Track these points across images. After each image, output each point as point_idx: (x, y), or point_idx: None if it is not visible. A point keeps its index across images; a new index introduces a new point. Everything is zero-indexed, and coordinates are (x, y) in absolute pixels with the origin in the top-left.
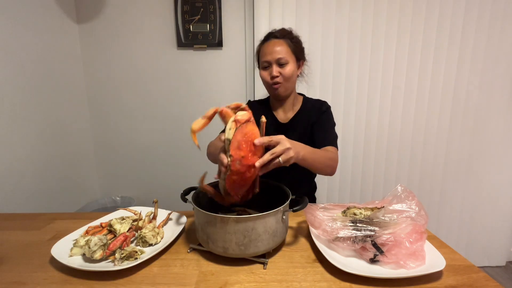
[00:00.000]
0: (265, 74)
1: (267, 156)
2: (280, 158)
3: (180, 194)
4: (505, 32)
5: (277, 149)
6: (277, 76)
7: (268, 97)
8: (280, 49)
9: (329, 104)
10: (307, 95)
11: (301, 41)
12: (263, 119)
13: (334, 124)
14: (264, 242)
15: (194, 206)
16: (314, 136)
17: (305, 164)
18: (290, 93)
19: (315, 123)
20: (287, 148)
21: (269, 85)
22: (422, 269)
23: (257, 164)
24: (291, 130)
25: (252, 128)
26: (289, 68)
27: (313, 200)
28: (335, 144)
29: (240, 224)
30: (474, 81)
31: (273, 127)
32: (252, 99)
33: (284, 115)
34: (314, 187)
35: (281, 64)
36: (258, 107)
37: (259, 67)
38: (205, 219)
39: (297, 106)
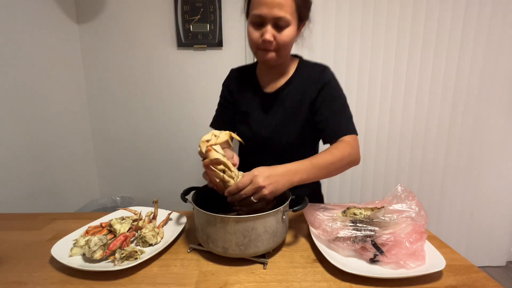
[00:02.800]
0: (255, 33)
1: (238, 196)
2: (252, 198)
3: (180, 194)
4: (505, 32)
5: (247, 190)
6: (271, 42)
7: (256, 62)
8: (282, 3)
9: (329, 69)
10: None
11: None
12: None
13: (342, 100)
14: (264, 242)
15: (194, 206)
16: (319, 125)
17: (308, 181)
18: (282, 61)
19: (316, 101)
20: (258, 188)
21: (257, 48)
22: (422, 269)
23: (229, 199)
24: (277, 102)
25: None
26: (288, 33)
27: (320, 197)
28: (349, 131)
29: (240, 224)
30: (474, 81)
31: (257, 99)
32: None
33: (272, 82)
34: (318, 183)
35: (279, 26)
36: (240, 75)
37: (246, 17)
38: (205, 219)
39: (290, 73)
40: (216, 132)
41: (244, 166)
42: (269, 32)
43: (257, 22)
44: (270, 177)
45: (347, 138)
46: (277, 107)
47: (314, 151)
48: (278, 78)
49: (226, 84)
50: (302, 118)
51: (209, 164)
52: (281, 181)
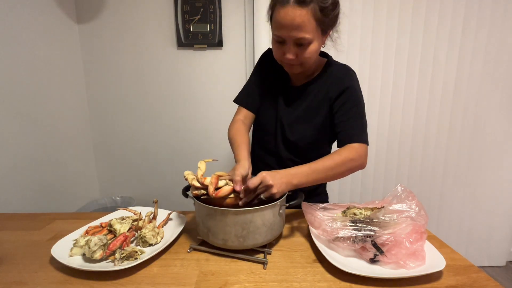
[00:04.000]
0: (278, 50)
1: (251, 195)
2: (262, 196)
3: (181, 191)
4: (505, 31)
5: (259, 189)
6: (293, 59)
7: None
8: (301, 24)
9: (355, 74)
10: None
11: (337, 1)
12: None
13: (361, 108)
14: (262, 234)
15: (195, 200)
16: (335, 128)
17: (309, 185)
18: (308, 69)
19: (336, 103)
20: (268, 186)
21: (281, 62)
22: (422, 269)
23: (241, 203)
24: (302, 96)
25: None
26: (311, 49)
27: (324, 194)
28: (359, 139)
29: (239, 217)
30: (475, 82)
31: (282, 90)
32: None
33: (300, 77)
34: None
35: (300, 44)
36: (274, 62)
37: (271, 28)
38: (206, 212)
39: (317, 71)
40: (189, 172)
41: (261, 155)
42: (291, 52)
43: (279, 40)
44: (276, 177)
45: (355, 145)
46: (300, 102)
47: (328, 150)
48: (305, 76)
49: (262, 61)
50: (322, 116)
51: (214, 188)
52: (284, 182)
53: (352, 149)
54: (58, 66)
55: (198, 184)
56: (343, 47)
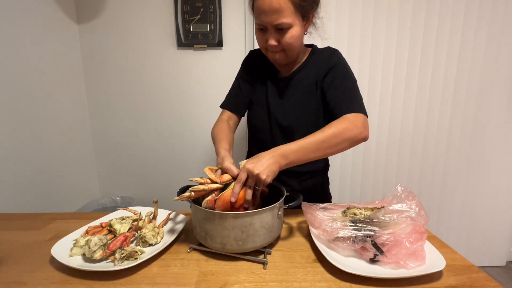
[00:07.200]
0: (261, 38)
1: (237, 189)
2: (256, 187)
3: (177, 192)
4: (505, 32)
5: (249, 182)
6: (275, 46)
7: None
8: (279, 8)
9: (340, 52)
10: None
11: None
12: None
13: (351, 82)
14: (261, 237)
15: (192, 203)
16: (328, 106)
17: (300, 163)
18: (293, 59)
19: (324, 81)
20: (256, 176)
21: (265, 50)
22: (422, 269)
23: (232, 199)
24: (291, 87)
25: (224, 195)
26: (292, 34)
27: (326, 193)
28: (354, 109)
29: (238, 220)
30: (475, 81)
31: (272, 83)
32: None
33: (287, 68)
34: (326, 179)
35: (281, 29)
36: (259, 58)
37: (254, 17)
38: (203, 216)
39: (303, 60)
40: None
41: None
42: (272, 38)
43: (261, 28)
44: (260, 163)
45: (349, 115)
46: (292, 92)
47: None
48: (292, 66)
49: (245, 64)
50: (316, 102)
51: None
52: (270, 164)
53: (346, 119)
54: (57, 66)
55: (205, 186)
56: (343, 47)
